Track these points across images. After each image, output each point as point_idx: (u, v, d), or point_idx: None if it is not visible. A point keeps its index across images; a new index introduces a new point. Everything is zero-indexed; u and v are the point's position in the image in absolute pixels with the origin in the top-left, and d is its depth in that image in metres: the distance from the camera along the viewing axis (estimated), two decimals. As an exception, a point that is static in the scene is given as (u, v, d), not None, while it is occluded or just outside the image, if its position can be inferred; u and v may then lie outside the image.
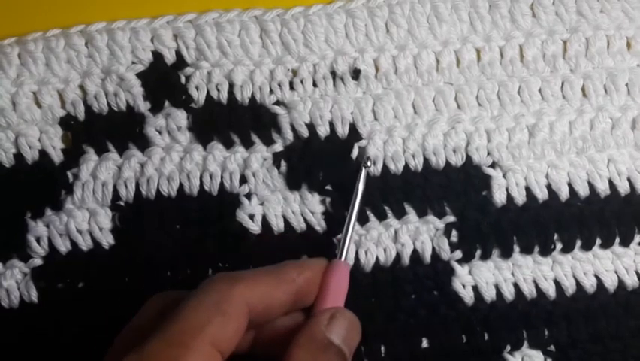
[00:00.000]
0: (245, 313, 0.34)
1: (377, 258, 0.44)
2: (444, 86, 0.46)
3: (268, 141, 0.45)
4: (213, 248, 0.44)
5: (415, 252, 0.44)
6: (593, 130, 0.45)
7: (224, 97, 0.45)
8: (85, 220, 0.44)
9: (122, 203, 0.44)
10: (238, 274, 0.35)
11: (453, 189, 0.44)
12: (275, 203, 0.44)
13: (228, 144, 0.45)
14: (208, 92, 0.45)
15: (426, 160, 0.45)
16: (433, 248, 0.44)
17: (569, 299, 0.44)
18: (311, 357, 0.33)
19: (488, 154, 0.45)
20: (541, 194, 0.44)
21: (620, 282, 0.44)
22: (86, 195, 0.44)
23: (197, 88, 0.45)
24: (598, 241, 0.44)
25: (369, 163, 0.42)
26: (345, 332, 0.35)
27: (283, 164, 0.44)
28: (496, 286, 0.44)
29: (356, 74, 0.45)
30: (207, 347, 0.32)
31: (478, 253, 0.44)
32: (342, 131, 0.45)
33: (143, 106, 0.45)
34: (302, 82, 0.45)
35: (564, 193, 0.45)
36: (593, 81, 0.46)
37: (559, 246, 0.44)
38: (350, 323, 0.36)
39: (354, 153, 0.45)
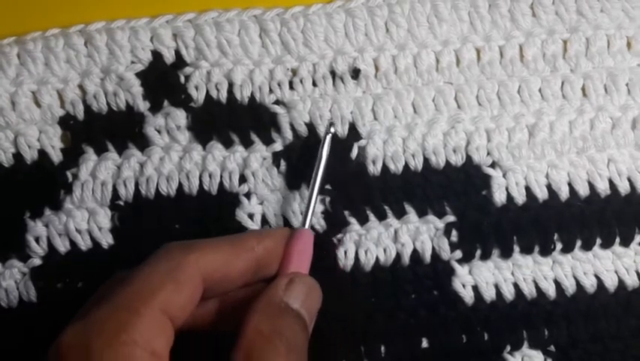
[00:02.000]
0: (199, 281, 0.33)
1: (377, 258, 0.44)
2: (444, 85, 0.46)
3: (268, 141, 0.45)
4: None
5: (415, 252, 0.44)
6: (593, 130, 0.45)
7: (223, 96, 0.45)
8: (84, 220, 0.44)
9: (121, 203, 0.44)
10: (193, 243, 0.35)
11: (453, 189, 0.44)
12: (274, 202, 0.44)
13: (228, 144, 0.45)
14: (207, 91, 0.45)
15: (426, 160, 0.45)
16: (433, 248, 0.44)
17: (569, 299, 0.44)
18: (268, 321, 0.33)
19: (488, 154, 0.45)
20: (542, 194, 0.44)
21: (621, 282, 0.44)
22: (85, 194, 0.44)
23: (196, 87, 0.45)
24: (598, 241, 0.44)
25: (332, 129, 0.42)
26: (303, 297, 0.35)
27: (283, 163, 0.44)
28: (496, 286, 0.44)
29: (356, 73, 0.45)
30: (157, 312, 0.31)
31: (478, 252, 0.44)
32: (342, 130, 0.45)
33: (143, 105, 0.45)
34: (301, 81, 0.45)
35: (564, 193, 0.45)
36: (593, 81, 0.46)
37: (559, 246, 0.44)
38: (309, 288, 0.35)
39: (354, 152, 0.45)
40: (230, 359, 0.31)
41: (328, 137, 0.41)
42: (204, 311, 0.36)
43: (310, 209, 0.40)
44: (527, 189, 0.44)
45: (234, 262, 0.35)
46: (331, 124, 0.42)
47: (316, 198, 0.40)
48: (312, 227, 0.40)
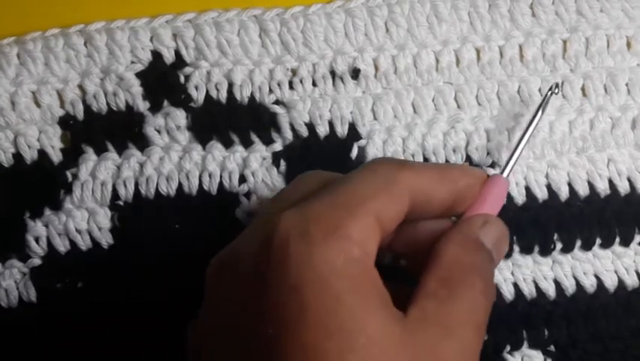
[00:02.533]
0: (407, 199, 0.32)
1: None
2: (443, 85, 0.46)
3: (267, 141, 0.45)
4: (212, 247, 0.43)
5: (414, 252, 0.44)
6: (593, 130, 0.45)
7: (223, 96, 0.45)
8: (84, 220, 0.44)
9: (121, 203, 0.44)
10: (405, 161, 0.35)
11: (453, 189, 0.44)
12: (274, 203, 0.44)
13: (228, 144, 0.45)
14: (207, 91, 0.45)
15: (426, 160, 0.45)
16: (433, 248, 0.44)
17: (569, 299, 0.44)
18: (463, 251, 0.32)
19: (488, 154, 0.45)
20: (541, 194, 0.44)
21: (620, 282, 0.44)
22: (85, 194, 0.44)
23: (196, 87, 0.45)
24: (598, 241, 0.44)
25: (557, 90, 0.41)
26: (496, 240, 0.34)
27: (282, 163, 0.44)
28: (496, 286, 0.44)
29: (355, 73, 0.45)
30: (372, 217, 0.30)
31: (478, 252, 0.44)
32: (342, 130, 0.45)
33: (142, 105, 0.45)
34: (301, 81, 0.45)
35: (564, 193, 0.45)
36: (592, 81, 0.46)
37: (559, 246, 0.44)
38: (502, 232, 0.35)
39: (354, 152, 0.45)
40: (422, 283, 0.31)
41: (549, 95, 0.40)
42: (397, 233, 0.35)
43: (514, 159, 0.39)
44: (527, 189, 0.44)
45: (439, 189, 0.34)
46: (557, 85, 0.41)
47: (522, 150, 0.39)
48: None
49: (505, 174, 0.38)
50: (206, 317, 0.33)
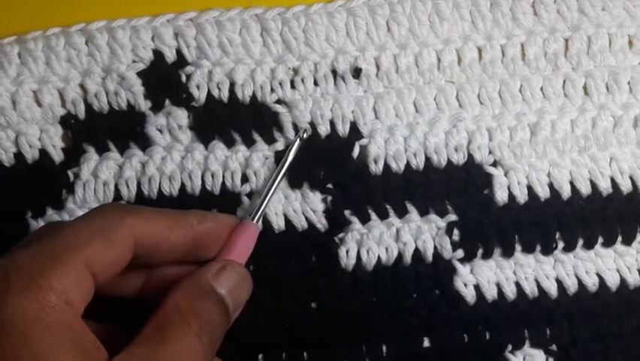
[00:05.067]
0: (129, 245, 0.33)
1: (379, 257, 0.44)
2: (445, 84, 0.46)
3: (269, 140, 0.45)
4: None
5: (416, 251, 0.44)
6: (595, 128, 0.45)
7: (225, 96, 0.45)
8: (86, 220, 0.44)
9: (123, 202, 0.44)
10: (133, 207, 0.35)
11: (454, 188, 0.44)
12: (276, 202, 0.44)
13: (229, 143, 0.45)
14: (209, 90, 0.45)
15: (427, 159, 0.45)
16: (435, 247, 0.44)
17: (571, 298, 0.44)
18: (189, 299, 0.33)
19: (490, 153, 0.45)
20: (543, 193, 0.44)
21: (622, 281, 0.44)
22: (87, 194, 0.44)
23: (198, 87, 0.45)
24: (600, 240, 0.44)
25: (305, 135, 0.42)
26: (232, 285, 0.35)
27: (284, 162, 0.44)
28: (498, 285, 0.44)
29: (357, 72, 0.45)
30: (80, 265, 0.31)
31: (480, 252, 0.44)
32: (343, 129, 0.45)
33: (144, 105, 0.45)
34: (303, 81, 0.45)
35: (566, 192, 0.45)
36: (594, 79, 0.46)
37: (561, 245, 0.44)
38: (240, 277, 0.36)
39: (356, 151, 0.45)
40: (143, 327, 0.32)
41: (298, 141, 0.42)
42: (136, 280, 0.36)
43: (263, 205, 0.40)
44: (529, 187, 0.44)
45: (169, 235, 0.35)
46: (305, 130, 0.42)
47: (271, 195, 0.41)
48: (261, 221, 0.40)
49: (255, 220, 0.39)
50: None
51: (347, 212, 0.44)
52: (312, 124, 0.45)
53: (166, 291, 0.34)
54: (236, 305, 0.35)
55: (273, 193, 0.41)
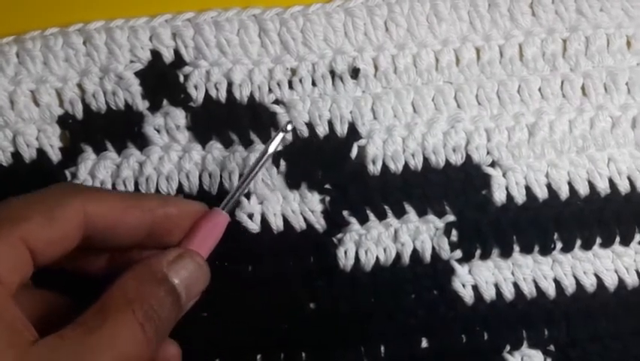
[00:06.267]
0: (76, 224, 0.33)
1: (377, 257, 0.43)
2: (443, 85, 0.46)
3: (267, 140, 0.44)
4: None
5: (414, 251, 0.44)
6: (593, 129, 0.45)
7: (222, 96, 0.45)
8: (83, 220, 0.44)
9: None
10: (86, 187, 0.35)
11: (453, 189, 0.44)
12: (274, 202, 0.44)
13: (227, 143, 0.44)
14: (207, 91, 0.45)
15: (425, 159, 0.45)
16: (433, 248, 0.44)
17: (569, 299, 0.44)
18: (138, 286, 0.32)
19: (488, 153, 0.45)
20: (541, 193, 0.44)
21: (620, 281, 0.44)
22: (84, 194, 0.44)
23: (195, 87, 0.45)
24: (598, 240, 0.44)
25: (288, 127, 0.41)
26: (187, 274, 0.34)
27: (282, 163, 0.44)
28: (496, 286, 0.44)
29: (355, 73, 0.45)
30: (16, 240, 0.31)
31: (478, 252, 0.44)
32: (341, 130, 0.45)
33: (142, 105, 0.45)
34: (301, 81, 0.45)
35: (564, 192, 0.45)
36: (592, 80, 0.46)
37: (559, 245, 0.44)
38: (197, 268, 0.34)
39: (354, 152, 0.44)
40: (85, 310, 0.31)
41: (281, 134, 0.40)
42: (100, 261, 0.36)
43: (236, 194, 0.39)
44: (527, 188, 0.44)
45: (125, 218, 0.34)
46: (289, 122, 0.41)
47: (246, 186, 0.39)
48: (231, 213, 0.39)
49: (225, 209, 0.38)
50: None
51: (345, 213, 0.44)
52: (310, 124, 0.45)
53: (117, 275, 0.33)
54: (190, 297, 0.34)
55: (247, 184, 0.39)
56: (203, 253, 0.36)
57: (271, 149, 0.40)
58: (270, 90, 0.45)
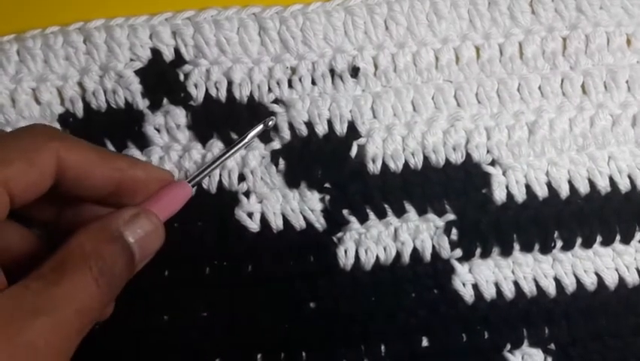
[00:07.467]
0: (51, 170, 0.33)
1: (377, 256, 0.43)
2: (443, 83, 0.46)
3: (266, 139, 0.45)
4: (212, 246, 0.43)
5: (415, 250, 0.44)
6: (593, 127, 0.45)
7: (222, 95, 0.45)
8: (83, 218, 0.44)
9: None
10: (62, 133, 0.35)
11: (453, 187, 0.44)
12: (274, 201, 0.44)
13: (227, 142, 0.44)
14: (207, 89, 0.45)
15: (425, 158, 0.45)
16: (433, 246, 0.44)
17: (570, 297, 0.44)
18: (92, 242, 0.32)
19: (488, 152, 0.45)
20: (542, 192, 0.44)
21: (621, 280, 0.44)
22: (84, 192, 0.44)
23: (195, 86, 0.45)
24: (598, 239, 0.44)
25: (270, 123, 0.43)
26: (143, 234, 0.34)
27: (281, 162, 0.44)
28: (497, 285, 0.44)
29: (355, 71, 0.45)
30: None
31: (478, 251, 0.44)
32: (341, 129, 0.45)
33: (142, 103, 0.45)
34: (300, 80, 0.45)
35: (564, 191, 0.44)
36: (592, 78, 0.46)
37: (559, 244, 0.44)
38: (153, 228, 0.35)
39: (354, 151, 0.44)
40: (44, 261, 0.31)
41: (261, 126, 0.42)
42: (55, 209, 0.36)
43: (206, 170, 0.40)
44: (527, 186, 0.44)
45: (95, 171, 0.35)
46: (272, 119, 0.43)
47: (215, 168, 0.41)
48: (200, 188, 0.40)
49: (190, 182, 0.39)
50: None
51: (345, 212, 0.44)
52: (310, 123, 0.45)
53: (76, 228, 0.33)
54: (143, 256, 0.35)
55: (217, 166, 0.41)
56: (161, 217, 0.36)
57: (248, 137, 0.42)
58: (270, 89, 0.45)
